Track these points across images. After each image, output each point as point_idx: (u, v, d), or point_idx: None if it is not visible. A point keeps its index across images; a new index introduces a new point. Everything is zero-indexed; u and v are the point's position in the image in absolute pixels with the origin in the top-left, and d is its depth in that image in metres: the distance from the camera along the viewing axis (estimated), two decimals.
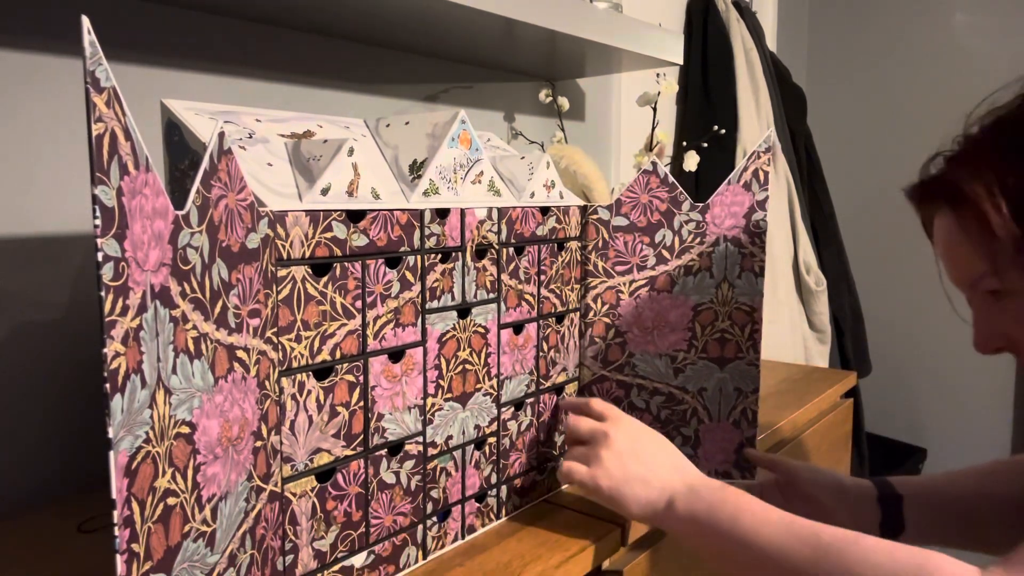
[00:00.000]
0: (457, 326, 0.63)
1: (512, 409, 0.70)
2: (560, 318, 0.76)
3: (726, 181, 0.77)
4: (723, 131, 1.49)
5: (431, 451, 0.62)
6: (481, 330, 0.66)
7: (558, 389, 0.76)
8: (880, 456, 2.01)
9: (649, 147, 1.20)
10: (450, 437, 0.64)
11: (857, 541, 0.48)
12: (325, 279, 0.52)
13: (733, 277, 0.79)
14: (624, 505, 0.61)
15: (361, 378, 0.55)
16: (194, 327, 0.39)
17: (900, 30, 2.18)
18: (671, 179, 0.78)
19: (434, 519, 0.63)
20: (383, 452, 0.58)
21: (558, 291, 0.75)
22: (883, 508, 0.70)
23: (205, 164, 0.41)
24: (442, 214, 0.61)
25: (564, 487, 0.77)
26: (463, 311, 0.64)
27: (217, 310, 0.41)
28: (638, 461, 0.62)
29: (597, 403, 0.68)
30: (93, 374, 0.76)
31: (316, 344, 0.52)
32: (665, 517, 0.59)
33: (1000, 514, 0.68)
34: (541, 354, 0.73)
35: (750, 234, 0.78)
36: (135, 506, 0.33)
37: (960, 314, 0.60)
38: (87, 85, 0.30)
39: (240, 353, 0.44)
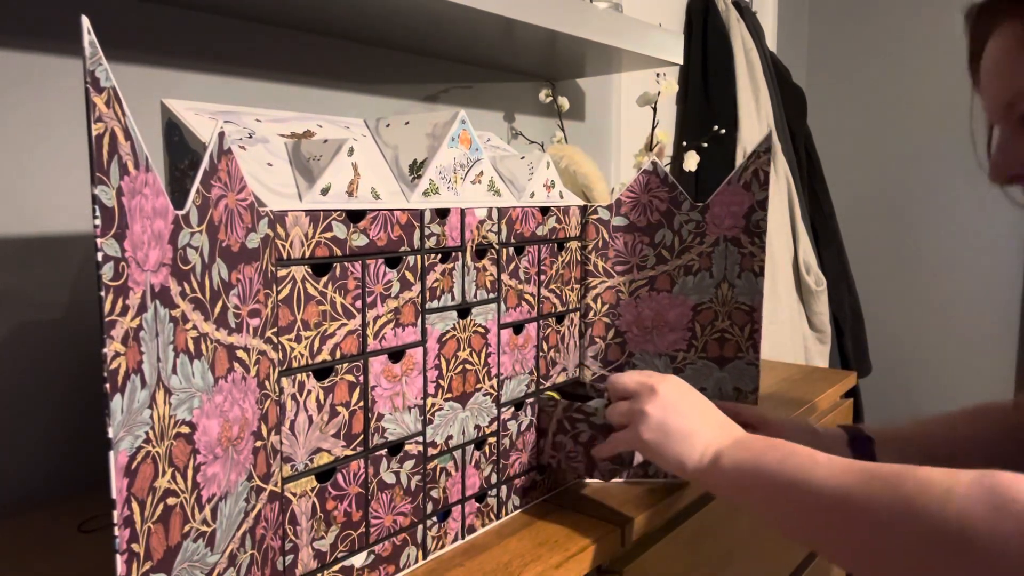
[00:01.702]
0: (457, 326, 0.63)
1: (512, 409, 0.70)
2: (560, 318, 0.76)
3: (726, 181, 0.77)
4: (723, 131, 1.49)
5: (431, 451, 0.62)
6: (481, 330, 0.66)
7: (559, 389, 0.76)
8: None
9: (649, 147, 1.20)
10: (450, 437, 0.64)
11: (913, 468, 0.46)
12: (325, 279, 0.52)
13: (733, 277, 0.79)
14: (666, 459, 0.61)
15: (361, 378, 0.55)
16: (194, 327, 0.39)
17: (900, 30, 2.18)
18: (671, 179, 0.78)
19: (434, 519, 0.63)
20: (383, 452, 0.58)
21: (558, 291, 0.75)
22: (855, 451, 0.70)
23: (205, 164, 0.41)
24: (442, 214, 0.61)
25: (563, 487, 0.77)
26: (463, 311, 0.64)
27: (217, 310, 0.41)
28: (682, 416, 0.61)
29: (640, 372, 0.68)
30: (93, 374, 0.76)
31: (316, 344, 0.52)
32: (709, 472, 0.58)
33: (969, 457, 0.68)
34: (541, 354, 0.73)
35: (750, 234, 0.78)
36: (135, 506, 0.33)
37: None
38: (87, 85, 0.30)
39: (240, 353, 0.44)
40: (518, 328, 0.70)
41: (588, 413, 0.69)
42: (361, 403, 0.56)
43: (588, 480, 0.79)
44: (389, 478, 0.59)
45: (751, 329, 0.79)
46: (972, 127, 0.63)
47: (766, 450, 0.56)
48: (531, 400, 0.72)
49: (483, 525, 0.68)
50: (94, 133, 0.30)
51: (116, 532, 0.31)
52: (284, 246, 0.49)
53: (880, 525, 0.46)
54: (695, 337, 0.80)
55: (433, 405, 0.62)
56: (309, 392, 0.52)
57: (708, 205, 0.78)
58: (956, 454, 0.69)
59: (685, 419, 0.61)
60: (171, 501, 0.36)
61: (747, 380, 0.80)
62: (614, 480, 0.77)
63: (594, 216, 0.78)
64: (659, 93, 1.18)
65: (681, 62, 1.24)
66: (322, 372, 0.53)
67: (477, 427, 0.66)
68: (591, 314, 0.79)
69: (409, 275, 0.58)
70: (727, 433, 0.60)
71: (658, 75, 1.26)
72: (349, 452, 0.55)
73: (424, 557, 0.62)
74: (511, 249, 0.68)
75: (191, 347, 0.39)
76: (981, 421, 0.72)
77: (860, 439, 0.71)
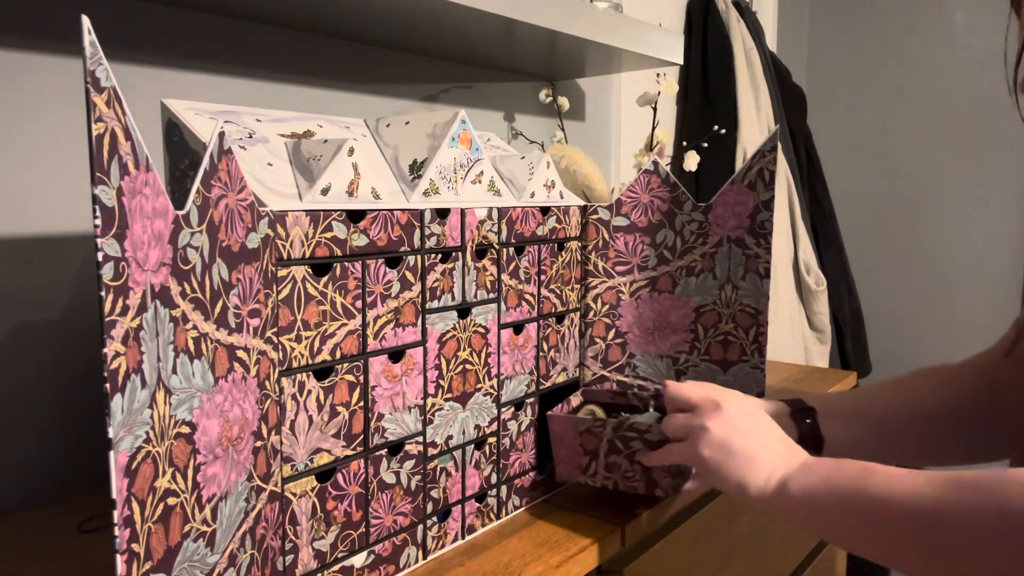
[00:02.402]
0: (457, 326, 0.63)
1: (512, 409, 0.70)
2: (560, 318, 0.76)
3: (729, 180, 0.76)
4: (723, 131, 1.49)
5: (431, 451, 0.62)
6: (481, 330, 0.66)
7: (558, 388, 0.76)
8: None
9: (649, 147, 1.20)
10: (450, 437, 0.64)
11: (1001, 472, 0.44)
12: (325, 279, 0.52)
13: (737, 279, 0.77)
14: (725, 480, 0.58)
15: (361, 378, 0.55)
16: (194, 327, 0.39)
17: (900, 30, 2.18)
18: (672, 179, 0.77)
19: (434, 519, 0.63)
20: (383, 452, 0.58)
21: (558, 291, 0.75)
22: (798, 423, 0.68)
23: (205, 164, 0.41)
24: (442, 214, 0.61)
25: (562, 486, 0.77)
26: (463, 311, 0.64)
27: (217, 310, 0.41)
28: (745, 437, 0.58)
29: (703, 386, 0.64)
30: (93, 374, 0.76)
31: (316, 344, 0.52)
32: (775, 499, 0.56)
33: (911, 424, 0.68)
34: (541, 354, 0.73)
35: (755, 235, 0.76)
36: (135, 506, 0.33)
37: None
38: (87, 85, 0.30)
39: (240, 353, 0.44)
40: (518, 328, 0.70)
41: (641, 431, 0.66)
42: (361, 403, 0.56)
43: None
44: (389, 478, 0.59)
45: (756, 332, 0.77)
46: (1005, 48, 0.60)
47: (836, 471, 0.53)
48: (531, 400, 0.72)
49: (483, 525, 0.68)
50: (94, 133, 0.30)
51: (116, 532, 0.31)
52: (284, 246, 0.49)
53: (983, 535, 0.44)
54: (698, 339, 0.79)
55: (433, 405, 0.62)
56: (309, 392, 0.52)
57: (711, 205, 0.77)
58: (899, 423, 0.68)
59: (748, 440, 0.58)
60: (171, 501, 0.36)
61: (752, 384, 0.79)
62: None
63: (594, 216, 0.78)
64: (659, 93, 1.18)
65: (681, 62, 1.24)
66: (322, 372, 0.53)
67: (477, 427, 0.66)
68: (591, 314, 0.79)
69: (409, 275, 0.58)
70: (792, 457, 0.57)
71: (658, 75, 1.26)
72: (349, 452, 0.55)
73: (424, 557, 0.62)
74: (511, 249, 0.68)
75: (191, 347, 0.39)
76: (928, 384, 0.70)
77: (802, 410, 0.69)
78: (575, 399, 0.76)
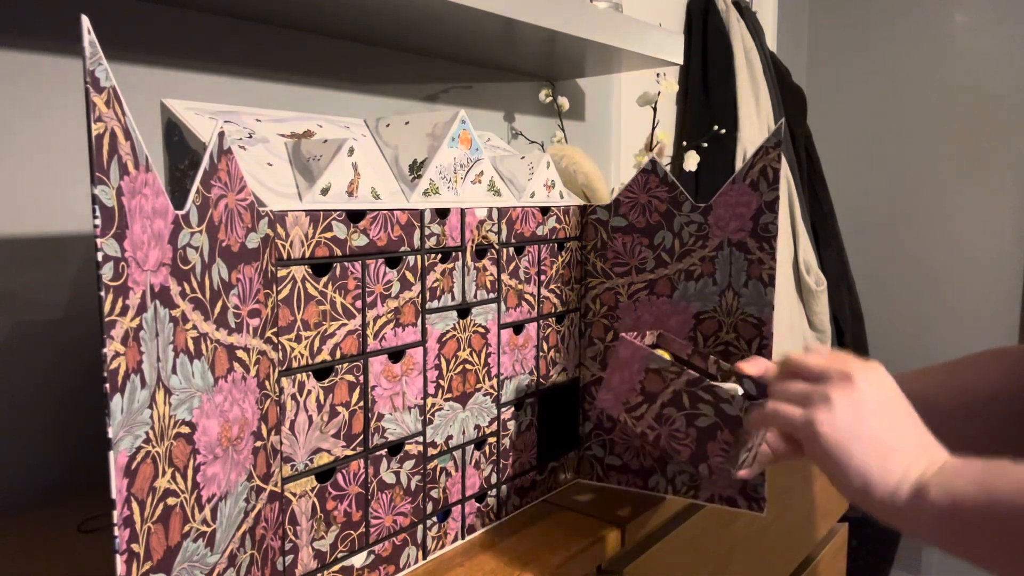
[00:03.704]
0: (457, 326, 0.63)
1: (512, 409, 0.70)
2: (560, 318, 0.76)
3: (730, 179, 0.71)
4: (723, 131, 1.49)
5: (431, 451, 0.62)
6: (481, 330, 0.66)
7: (560, 388, 0.76)
8: None
9: (649, 147, 1.20)
10: (450, 437, 0.64)
11: None
12: (325, 279, 0.52)
13: (739, 285, 0.72)
14: (844, 471, 0.46)
15: (361, 378, 0.55)
16: (194, 327, 0.39)
17: (900, 30, 2.18)
18: (671, 178, 0.74)
19: (434, 519, 0.63)
20: (383, 452, 0.58)
21: (558, 291, 0.75)
22: None
23: (205, 164, 0.41)
24: (442, 214, 0.61)
25: (561, 486, 0.77)
26: (463, 311, 0.64)
27: (217, 310, 0.41)
28: (880, 422, 0.47)
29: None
30: (93, 374, 0.76)
31: (316, 344, 0.52)
32: (910, 507, 0.45)
33: (974, 409, 0.59)
34: (541, 354, 0.73)
35: (758, 238, 0.70)
36: (135, 506, 0.33)
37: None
38: (87, 85, 0.30)
39: (240, 353, 0.44)
40: (518, 328, 0.70)
41: (722, 397, 0.57)
42: (361, 403, 0.56)
43: (598, 484, 0.79)
44: (389, 478, 0.59)
45: (759, 343, 0.71)
46: None
47: (988, 473, 0.43)
48: (531, 400, 0.72)
49: (483, 525, 0.68)
50: (94, 133, 0.30)
51: (116, 532, 0.31)
52: (284, 246, 0.49)
53: None
54: (697, 347, 0.75)
55: (433, 405, 0.62)
56: (309, 392, 0.52)
57: (710, 206, 0.73)
58: (974, 407, 0.58)
59: (883, 426, 0.47)
60: (171, 501, 0.36)
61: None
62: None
63: (593, 216, 0.77)
64: (659, 93, 1.18)
65: (681, 62, 1.24)
66: (322, 372, 0.53)
67: (477, 427, 0.66)
68: (590, 315, 0.79)
69: (409, 275, 0.58)
70: (929, 454, 0.46)
71: (658, 75, 1.26)
72: (349, 452, 0.55)
73: (424, 557, 0.62)
74: (511, 249, 0.68)
75: (191, 347, 0.39)
76: (998, 366, 0.60)
77: None
78: (650, 336, 0.68)
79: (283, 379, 0.50)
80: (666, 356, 0.63)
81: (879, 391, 0.48)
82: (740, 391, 0.60)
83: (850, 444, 0.46)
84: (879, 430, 0.46)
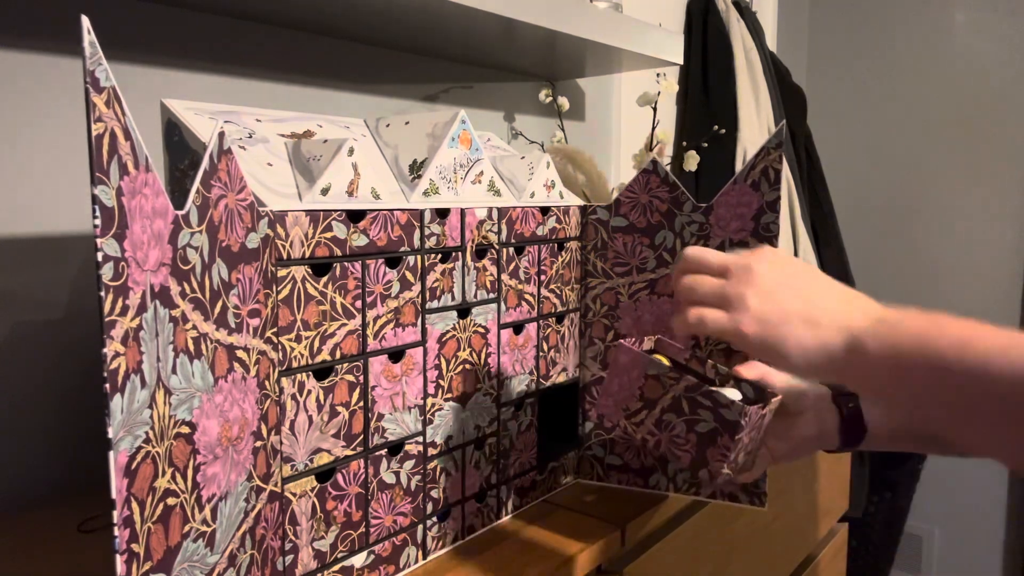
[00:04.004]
0: (457, 326, 0.63)
1: (512, 409, 0.70)
2: (560, 318, 0.76)
3: (732, 180, 0.72)
4: (723, 131, 1.49)
5: (431, 451, 0.62)
6: (481, 330, 0.66)
7: (560, 388, 0.76)
8: (880, 456, 2.01)
9: (649, 147, 1.20)
10: (450, 437, 0.64)
11: None
12: (325, 279, 0.52)
13: None
14: (783, 352, 0.48)
15: (361, 378, 0.55)
16: (194, 327, 0.39)
17: (900, 30, 2.18)
18: (672, 178, 0.74)
19: (434, 519, 0.63)
20: (383, 452, 0.58)
21: (558, 291, 0.75)
22: (840, 408, 0.62)
23: (205, 164, 0.41)
24: (442, 214, 0.61)
25: (561, 486, 0.77)
26: (463, 311, 0.64)
27: (217, 310, 0.41)
28: (796, 296, 0.48)
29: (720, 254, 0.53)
30: (93, 374, 0.76)
31: (316, 344, 0.52)
32: (849, 362, 0.46)
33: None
34: (541, 354, 0.73)
35: (759, 238, 0.71)
36: (135, 506, 0.33)
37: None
38: (87, 85, 0.30)
39: (240, 353, 0.44)
40: (518, 328, 0.70)
41: (720, 403, 0.58)
42: (361, 403, 0.56)
43: (598, 484, 0.79)
44: (389, 478, 0.59)
45: None
46: None
47: (935, 329, 0.43)
48: (531, 400, 0.72)
49: (483, 525, 0.68)
50: (94, 133, 0.30)
51: (116, 532, 0.31)
52: (284, 246, 0.49)
53: None
54: (699, 348, 0.75)
55: (433, 405, 0.62)
56: (309, 392, 0.52)
57: (712, 206, 0.73)
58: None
59: (800, 299, 0.48)
60: (171, 501, 0.36)
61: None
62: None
63: (593, 216, 0.77)
64: (659, 93, 1.18)
65: (681, 62, 1.24)
66: (322, 372, 0.53)
67: (477, 427, 0.66)
68: (590, 315, 0.79)
69: (409, 275, 0.58)
70: (857, 307, 0.47)
71: (658, 75, 1.26)
72: (349, 452, 0.55)
73: (424, 557, 0.62)
74: (511, 249, 0.68)
75: (191, 347, 0.39)
76: None
77: (845, 393, 0.63)
78: (648, 342, 0.68)
79: (283, 379, 0.50)
80: (665, 362, 0.63)
81: (781, 269, 0.50)
82: (739, 396, 0.60)
83: (777, 330, 0.48)
84: (797, 303, 0.48)
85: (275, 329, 0.49)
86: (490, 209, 0.65)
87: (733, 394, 0.60)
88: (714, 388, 0.59)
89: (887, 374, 0.44)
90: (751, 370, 0.60)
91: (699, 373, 0.66)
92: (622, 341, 0.63)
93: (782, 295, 0.49)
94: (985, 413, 0.40)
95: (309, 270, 0.51)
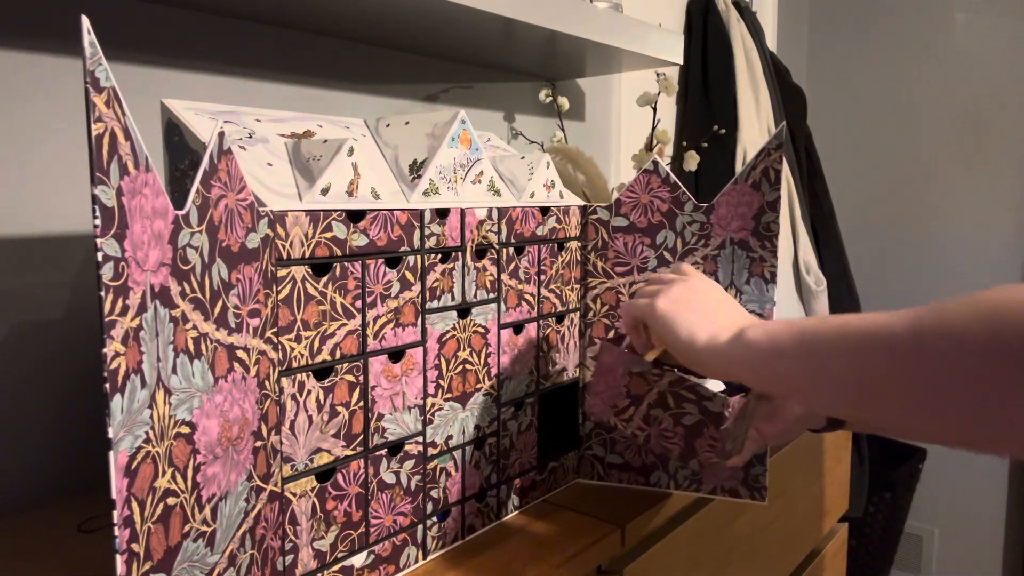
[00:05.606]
0: (457, 326, 0.63)
1: (512, 409, 0.70)
2: (560, 318, 0.76)
3: (733, 180, 0.73)
4: (723, 131, 1.49)
5: (431, 451, 0.62)
6: (481, 330, 0.66)
7: (560, 388, 0.76)
8: (880, 456, 2.01)
9: (649, 147, 1.20)
10: (450, 437, 0.64)
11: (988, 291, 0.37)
12: (325, 279, 0.52)
13: (741, 283, 0.74)
14: (674, 329, 0.54)
15: (361, 378, 0.55)
16: (194, 327, 0.39)
17: (900, 30, 2.18)
18: (673, 179, 0.75)
19: (434, 519, 0.63)
20: (383, 452, 0.58)
21: (558, 291, 0.75)
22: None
23: (205, 164, 0.41)
24: (442, 214, 0.61)
25: (561, 486, 0.77)
26: (463, 311, 0.64)
27: (217, 310, 0.41)
28: (709, 299, 0.56)
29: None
30: (93, 374, 0.76)
31: (316, 344, 0.52)
32: (729, 347, 0.50)
33: None
34: (541, 354, 0.73)
35: (759, 237, 0.73)
36: (135, 506, 0.33)
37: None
38: (87, 85, 0.30)
39: (240, 353, 0.44)
40: (518, 328, 0.70)
41: (703, 396, 0.61)
42: (361, 403, 0.56)
43: (598, 484, 0.79)
44: (389, 478, 0.59)
45: None
46: None
47: (798, 321, 0.47)
48: (531, 400, 0.72)
49: (483, 525, 0.68)
50: (94, 133, 0.30)
51: (116, 532, 0.31)
52: (284, 246, 0.49)
53: (974, 346, 0.35)
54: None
55: (433, 405, 0.62)
56: (309, 392, 0.52)
57: (713, 206, 0.74)
58: None
59: (711, 303, 0.55)
60: (171, 501, 0.36)
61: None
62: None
63: (593, 216, 0.78)
64: (659, 93, 1.18)
65: (681, 62, 1.24)
66: (322, 372, 0.53)
67: (477, 427, 0.66)
68: (591, 315, 0.79)
69: (409, 275, 0.58)
70: (751, 319, 0.54)
71: (658, 75, 1.26)
72: (349, 452, 0.55)
73: (424, 557, 0.62)
74: (511, 249, 0.68)
75: (191, 347, 0.39)
76: None
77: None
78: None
79: (283, 379, 0.50)
80: (650, 358, 0.64)
81: (711, 285, 0.58)
82: (722, 387, 0.63)
83: (680, 312, 0.54)
84: (707, 303, 0.55)
85: (275, 329, 0.49)
86: (490, 209, 0.65)
87: (716, 386, 0.63)
88: (696, 381, 0.61)
89: (766, 357, 0.47)
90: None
91: (684, 368, 0.66)
92: (605, 340, 0.64)
93: (698, 299, 0.56)
94: (848, 372, 0.41)
95: (309, 270, 0.51)
